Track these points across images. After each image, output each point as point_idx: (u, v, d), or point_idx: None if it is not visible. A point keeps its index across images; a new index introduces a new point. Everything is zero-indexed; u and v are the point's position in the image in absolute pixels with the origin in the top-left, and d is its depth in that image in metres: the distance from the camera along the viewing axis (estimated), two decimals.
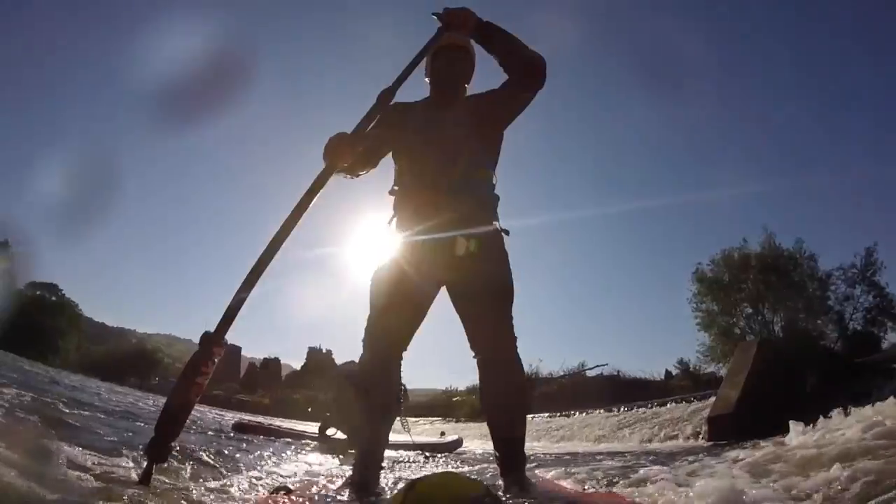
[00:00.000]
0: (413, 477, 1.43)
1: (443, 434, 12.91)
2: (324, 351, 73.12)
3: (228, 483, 2.08)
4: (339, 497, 1.72)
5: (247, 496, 1.80)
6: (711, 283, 21.02)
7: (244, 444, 5.36)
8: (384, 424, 2.09)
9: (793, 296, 19.44)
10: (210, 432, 6.38)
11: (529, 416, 17.74)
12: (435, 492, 1.20)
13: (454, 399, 33.22)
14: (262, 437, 7.14)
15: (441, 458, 6.45)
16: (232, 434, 6.92)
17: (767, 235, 20.75)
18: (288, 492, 1.71)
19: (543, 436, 14.18)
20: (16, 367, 11.61)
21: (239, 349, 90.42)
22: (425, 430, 21.13)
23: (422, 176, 2.12)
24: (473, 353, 2.07)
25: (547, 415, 17.64)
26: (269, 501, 1.61)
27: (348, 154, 2.06)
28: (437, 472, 1.37)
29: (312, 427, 8.31)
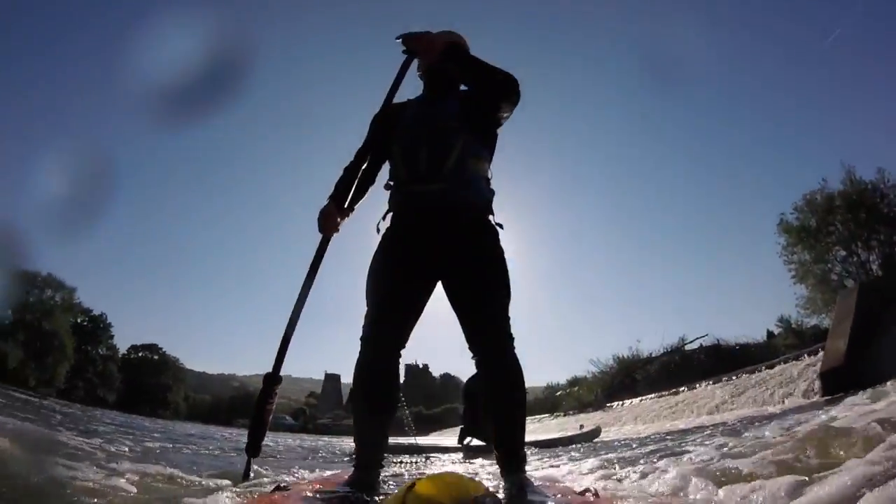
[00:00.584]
0: (413, 477, 1.44)
1: (582, 427, 12.98)
2: (420, 366, 73.99)
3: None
4: (338, 497, 1.75)
5: (246, 495, 1.93)
6: (799, 232, 20.19)
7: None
8: (383, 424, 2.07)
9: (885, 230, 18.42)
10: (346, 458, 6.91)
11: (637, 400, 17.79)
12: (435, 492, 1.22)
13: (557, 394, 33.09)
14: (406, 455, 7.60)
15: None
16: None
17: (847, 171, 19.62)
18: (287, 491, 1.74)
19: (656, 417, 14.30)
20: (136, 424, 13.17)
21: (338, 377, 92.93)
22: (536, 427, 21.38)
23: (416, 168, 2.11)
24: (472, 354, 2.06)
25: (654, 395, 17.69)
26: (268, 500, 1.64)
27: (338, 225, 2.28)
28: (437, 472, 1.40)
29: (447, 440, 9.08)
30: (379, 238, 2.21)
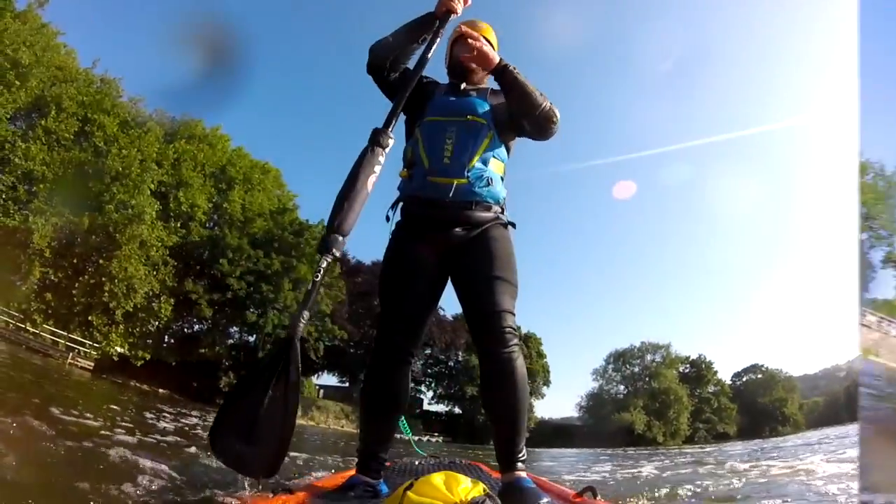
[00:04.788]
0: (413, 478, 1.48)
1: None
2: None
3: None
4: (338, 498, 1.77)
5: (246, 497, 1.89)
6: None
7: None
8: (386, 424, 2.07)
9: None
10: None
11: None
12: (432, 492, 1.22)
13: None
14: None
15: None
16: None
17: None
18: (289, 493, 1.72)
19: None
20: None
21: None
22: None
23: (439, 159, 2.06)
24: (476, 346, 2.03)
25: None
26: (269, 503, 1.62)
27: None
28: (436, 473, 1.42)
29: None
30: (390, 229, 2.21)
